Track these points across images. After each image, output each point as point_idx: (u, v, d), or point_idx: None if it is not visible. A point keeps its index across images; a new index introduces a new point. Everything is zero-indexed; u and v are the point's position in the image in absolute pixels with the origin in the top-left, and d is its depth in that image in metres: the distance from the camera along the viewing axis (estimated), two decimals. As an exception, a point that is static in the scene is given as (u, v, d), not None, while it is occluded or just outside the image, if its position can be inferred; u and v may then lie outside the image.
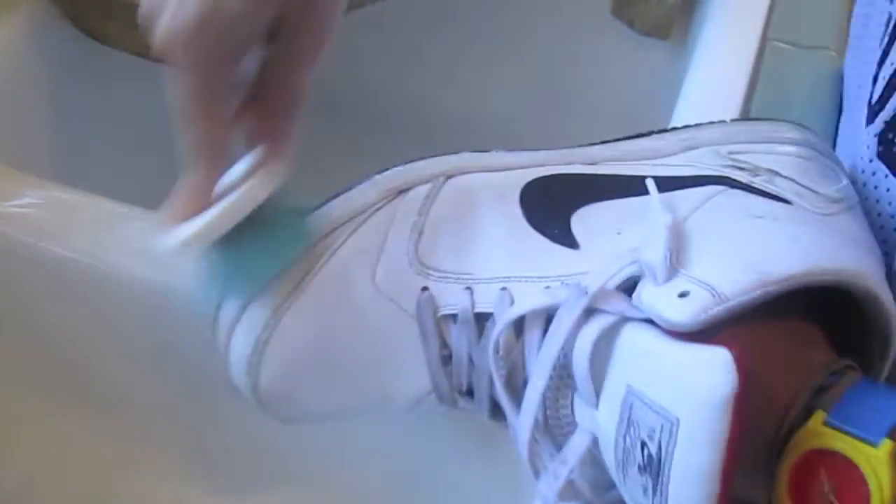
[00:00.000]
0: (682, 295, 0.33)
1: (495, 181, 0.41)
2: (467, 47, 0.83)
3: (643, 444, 0.33)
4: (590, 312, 0.35)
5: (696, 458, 0.31)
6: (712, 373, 0.30)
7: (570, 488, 0.37)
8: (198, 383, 0.53)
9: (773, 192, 0.39)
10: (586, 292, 0.35)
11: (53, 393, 0.58)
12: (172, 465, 0.58)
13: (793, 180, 0.39)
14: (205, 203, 0.39)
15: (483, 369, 0.39)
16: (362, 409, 0.43)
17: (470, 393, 0.42)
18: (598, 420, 0.35)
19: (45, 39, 0.68)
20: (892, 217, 0.41)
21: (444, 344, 0.40)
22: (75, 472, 0.59)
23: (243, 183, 0.39)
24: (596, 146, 0.43)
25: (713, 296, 0.33)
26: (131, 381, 0.56)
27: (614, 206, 0.39)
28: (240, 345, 0.41)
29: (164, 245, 0.39)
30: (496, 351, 0.37)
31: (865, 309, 0.35)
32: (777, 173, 0.40)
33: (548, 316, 0.37)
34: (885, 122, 0.41)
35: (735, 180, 0.39)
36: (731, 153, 0.41)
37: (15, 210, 0.53)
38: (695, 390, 0.31)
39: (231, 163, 0.40)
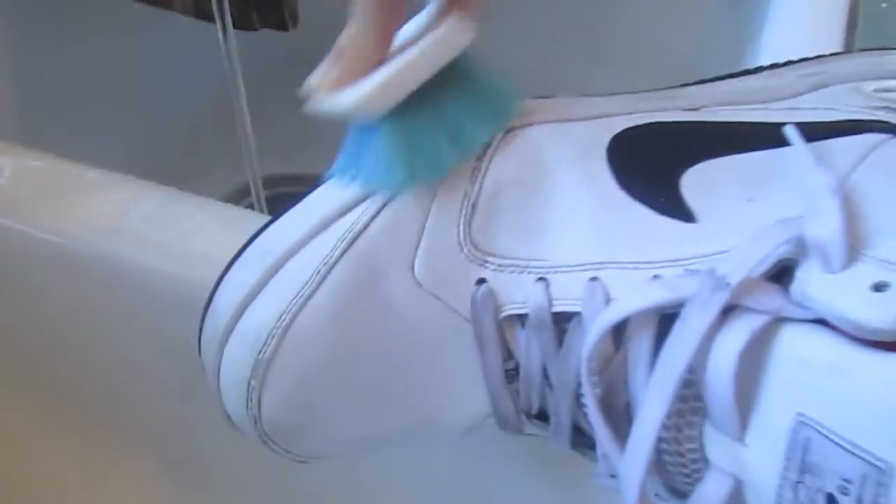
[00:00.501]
0: (880, 288, 0.23)
1: (571, 134, 0.30)
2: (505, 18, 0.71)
3: (830, 499, 0.23)
4: (728, 311, 0.25)
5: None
6: None
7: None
8: (186, 380, 0.42)
9: None
10: (726, 283, 0.25)
11: (23, 393, 0.50)
12: (160, 474, 0.50)
13: None
14: (378, 59, 0.28)
15: (564, 387, 0.29)
16: (397, 439, 0.33)
17: (542, 416, 0.32)
18: (746, 459, 0.25)
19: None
20: None
21: (509, 354, 0.30)
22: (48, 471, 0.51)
23: (425, 35, 0.29)
24: (691, 86, 0.33)
25: None
26: (111, 380, 0.47)
27: (738, 162, 0.29)
28: (234, 364, 0.30)
29: (327, 106, 0.29)
30: (588, 364, 0.27)
31: None
32: (948, 113, 0.30)
33: (662, 315, 0.27)
34: None
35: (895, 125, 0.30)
36: (876, 91, 0.31)
37: None
38: None
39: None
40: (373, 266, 0.30)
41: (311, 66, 0.30)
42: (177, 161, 0.66)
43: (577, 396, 0.30)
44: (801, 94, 0.32)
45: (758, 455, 0.25)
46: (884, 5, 0.49)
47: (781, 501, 0.24)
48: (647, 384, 0.27)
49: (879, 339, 0.22)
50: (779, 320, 0.25)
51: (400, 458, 0.43)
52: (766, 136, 0.29)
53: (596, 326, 0.27)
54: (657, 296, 0.26)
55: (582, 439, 0.31)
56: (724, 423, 0.25)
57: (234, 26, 0.50)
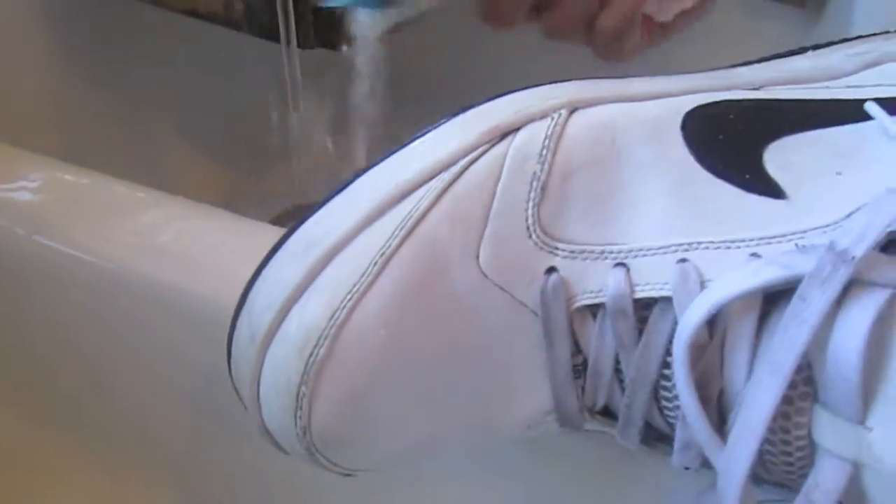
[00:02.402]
0: None
1: (641, 112, 0.29)
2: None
3: None
4: (847, 288, 0.24)
5: None
6: None
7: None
8: (209, 401, 0.41)
9: None
10: (851, 256, 0.23)
11: (45, 412, 0.47)
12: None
13: None
14: None
15: (641, 380, 0.27)
16: (455, 443, 0.30)
17: (606, 412, 0.30)
18: (869, 442, 0.24)
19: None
20: None
21: (577, 348, 0.28)
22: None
23: None
24: (740, 67, 0.32)
25: None
26: (137, 403, 0.45)
27: (818, 138, 0.28)
28: (281, 370, 0.27)
29: None
30: (688, 350, 0.25)
31: None
32: None
33: (766, 296, 0.25)
34: None
35: None
36: (934, 67, 0.31)
37: (10, 196, 0.43)
38: None
39: None
40: (435, 256, 0.27)
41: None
42: (229, 192, 0.64)
43: (655, 391, 0.28)
44: (854, 72, 0.31)
45: (885, 437, 0.23)
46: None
47: (921, 484, 0.23)
48: (753, 370, 0.25)
49: None
50: (902, 294, 0.23)
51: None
52: (844, 112, 0.28)
53: (694, 311, 0.25)
54: (769, 274, 0.24)
55: (651, 433, 0.29)
56: (844, 406, 0.24)
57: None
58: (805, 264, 0.24)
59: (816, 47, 0.32)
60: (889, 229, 0.24)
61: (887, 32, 0.32)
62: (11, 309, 0.45)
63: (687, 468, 0.28)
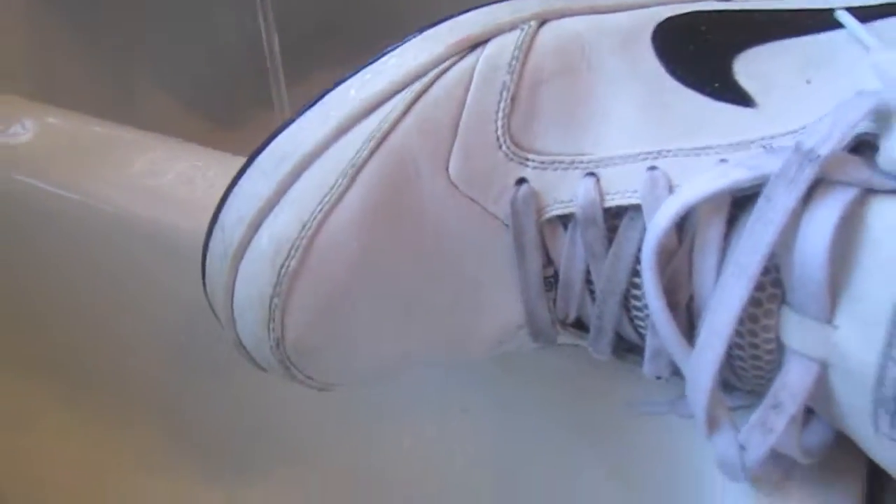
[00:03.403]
0: None
1: (611, 23, 0.29)
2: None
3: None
4: (813, 187, 0.24)
5: None
6: None
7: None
8: (196, 337, 0.42)
9: None
10: (816, 156, 0.23)
11: (48, 361, 0.48)
12: (160, 444, 0.47)
13: None
14: None
15: (611, 289, 0.28)
16: (427, 357, 0.30)
17: (578, 325, 0.30)
18: (836, 342, 0.24)
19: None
20: None
21: (548, 259, 0.28)
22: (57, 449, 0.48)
23: None
24: None
25: None
26: (124, 342, 0.45)
27: (788, 47, 0.28)
28: (253, 281, 0.27)
29: None
30: (655, 256, 0.26)
31: None
32: None
33: (733, 199, 0.25)
34: None
35: None
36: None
37: (9, 142, 0.44)
38: None
39: None
40: (404, 168, 0.27)
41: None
42: (213, 122, 0.64)
43: (625, 300, 0.28)
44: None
45: (852, 335, 0.24)
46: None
47: (884, 379, 0.23)
48: (721, 273, 0.25)
49: None
50: (868, 192, 0.23)
51: (387, 409, 0.41)
52: (814, 21, 0.28)
53: (663, 215, 0.25)
54: (736, 175, 0.24)
55: (622, 344, 0.29)
56: (810, 306, 0.24)
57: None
58: (771, 165, 0.24)
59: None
60: (856, 130, 0.24)
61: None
62: (10, 253, 0.45)
63: (659, 377, 0.29)
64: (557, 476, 0.37)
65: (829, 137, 0.24)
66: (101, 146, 0.43)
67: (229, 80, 0.61)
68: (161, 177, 0.41)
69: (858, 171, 0.24)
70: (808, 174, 0.23)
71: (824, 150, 0.23)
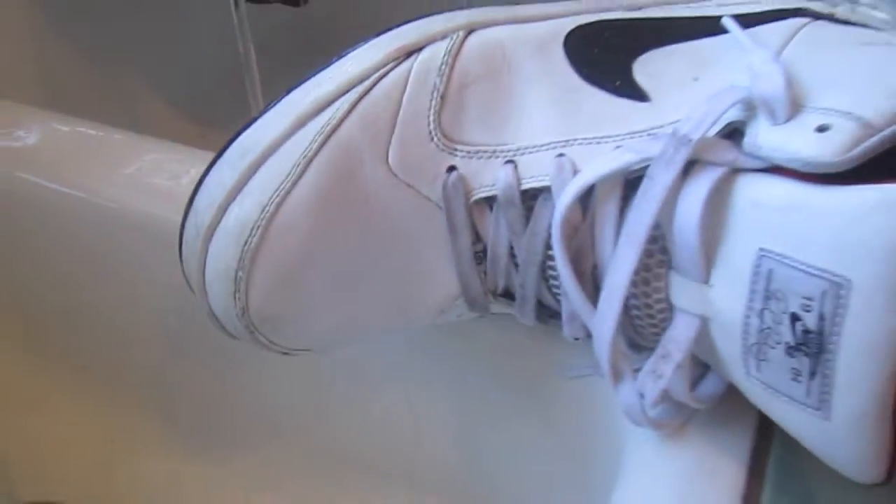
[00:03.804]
0: (822, 129, 0.26)
1: (529, 32, 0.33)
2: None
3: (794, 319, 0.26)
4: (689, 167, 0.28)
5: (876, 326, 0.24)
6: (892, 215, 0.24)
7: (662, 392, 0.30)
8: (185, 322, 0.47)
9: (860, 21, 0.33)
10: (689, 139, 0.28)
11: (50, 348, 0.52)
12: (153, 421, 0.51)
13: (873, 8, 0.33)
14: None
15: (530, 261, 0.32)
16: (376, 325, 0.34)
17: (507, 294, 0.34)
18: (712, 299, 0.28)
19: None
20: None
21: (477, 237, 0.33)
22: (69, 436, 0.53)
23: None
24: None
25: (860, 125, 0.26)
26: (118, 328, 0.50)
27: (682, 49, 0.32)
28: (221, 257, 0.32)
29: None
30: (561, 229, 0.30)
31: None
32: (856, 1, 0.33)
33: (625, 181, 0.30)
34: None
35: (814, 11, 0.33)
36: (796, -13, 0.35)
37: (12, 144, 0.48)
38: (871, 242, 0.24)
39: None
40: (349, 158, 0.31)
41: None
42: (193, 125, 0.69)
43: (543, 270, 0.32)
44: (729, -6, 0.35)
45: (723, 292, 0.28)
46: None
47: (748, 329, 0.27)
48: (616, 243, 0.29)
49: (827, 171, 0.26)
50: (735, 171, 0.28)
51: (361, 384, 0.45)
52: (705, 27, 0.33)
53: (566, 193, 0.30)
54: (626, 158, 0.29)
55: (544, 311, 0.34)
56: (690, 269, 0.28)
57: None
58: (654, 149, 0.28)
59: (698, -25, 0.36)
60: (726, 119, 0.28)
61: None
62: (4, 245, 0.50)
63: (576, 338, 0.33)
64: (505, 431, 0.41)
65: (700, 124, 0.28)
66: (98, 147, 0.47)
67: (212, 90, 0.66)
68: (152, 175, 0.45)
69: (726, 153, 0.28)
70: (683, 155, 0.28)
71: (696, 135, 0.28)
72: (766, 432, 0.32)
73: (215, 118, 0.64)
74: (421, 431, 0.45)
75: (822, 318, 0.25)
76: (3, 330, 0.52)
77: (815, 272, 0.25)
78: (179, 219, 0.42)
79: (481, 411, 0.42)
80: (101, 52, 0.66)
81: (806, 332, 0.26)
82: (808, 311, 0.25)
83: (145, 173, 0.46)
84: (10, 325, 0.52)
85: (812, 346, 0.26)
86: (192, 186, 0.42)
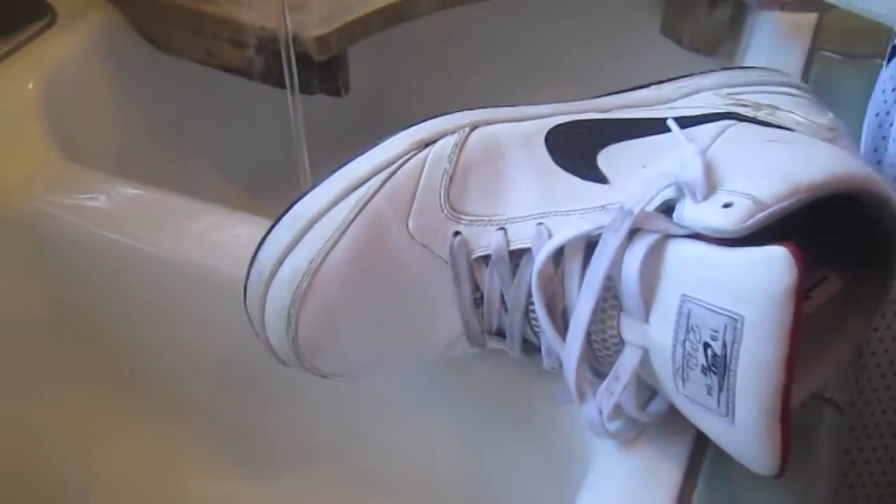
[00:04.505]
0: (727, 206, 0.35)
1: (519, 129, 0.42)
2: (509, 67, 0.87)
3: (706, 346, 0.35)
4: (632, 234, 0.37)
5: (762, 351, 0.33)
6: (771, 269, 0.33)
7: (616, 408, 0.39)
8: (238, 364, 0.55)
9: (777, 123, 0.42)
10: (631, 213, 0.37)
11: (117, 384, 0.60)
12: (199, 445, 0.59)
13: (791, 112, 0.43)
14: None
15: (516, 307, 0.41)
16: (398, 355, 0.44)
17: (500, 333, 0.43)
18: (650, 334, 0.37)
19: (113, 47, 0.71)
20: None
21: (476, 287, 0.42)
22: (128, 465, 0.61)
23: None
24: (603, 97, 0.45)
25: (755, 203, 0.35)
26: (179, 368, 0.58)
27: (636, 144, 0.42)
28: (277, 299, 0.41)
29: None
30: (538, 281, 0.39)
31: (880, 217, 0.38)
32: (776, 107, 0.43)
33: (587, 243, 0.39)
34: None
35: (741, 115, 0.42)
36: (730, 94, 0.44)
37: (84, 203, 0.56)
38: (756, 288, 0.33)
39: None
40: (378, 224, 0.41)
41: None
42: (247, 197, 0.80)
43: (526, 313, 0.41)
44: (676, 99, 0.45)
45: (658, 328, 0.37)
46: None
47: (675, 355, 0.36)
48: (580, 291, 0.38)
49: (729, 236, 0.35)
50: (667, 237, 0.37)
51: (392, 416, 0.54)
52: (656, 127, 0.42)
53: (543, 252, 0.39)
54: (585, 226, 0.38)
55: (528, 346, 0.43)
56: (634, 310, 0.37)
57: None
58: (606, 220, 0.38)
59: (659, 83, 0.46)
60: (662, 197, 0.38)
61: (704, 72, 0.46)
62: (81, 293, 0.59)
63: (553, 368, 0.42)
64: (504, 452, 0.50)
65: (641, 201, 0.37)
66: (165, 211, 0.56)
67: (267, 165, 0.76)
68: (213, 234, 0.54)
69: (660, 223, 0.37)
70: (627, 224, 0.37)
71: (637, 209, 0.37)
72: (702, 441, 0.41)
73: (267, 191, 0.74)
74: (434, 454, 0.54)
75: (724, 345, 0.34)
76: (79, 368, 0.61)
77: (720, 311, 0.34)
78: (231, 270, 0.51)
79: (483, 436, 0.51)
80: (169, 128, 0.76)
81: (714, 356, 0.34)
82: (715, 340, 0.34)
83: (206, 232, 0.55)
84: (86, 364, 0.61)
85: (719, 367, 0.34)
86: (248, 245, 0.51)
